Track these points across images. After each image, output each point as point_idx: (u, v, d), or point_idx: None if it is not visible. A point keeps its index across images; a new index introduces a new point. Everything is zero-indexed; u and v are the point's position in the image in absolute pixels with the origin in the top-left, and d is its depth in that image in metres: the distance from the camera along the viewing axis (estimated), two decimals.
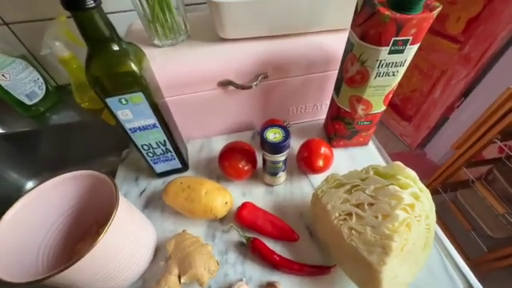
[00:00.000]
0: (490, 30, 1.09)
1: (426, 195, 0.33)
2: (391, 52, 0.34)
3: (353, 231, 0.32)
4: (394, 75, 0.37)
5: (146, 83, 0.33)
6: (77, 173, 0.33)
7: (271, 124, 0.40)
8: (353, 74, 0.39)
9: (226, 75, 0.46)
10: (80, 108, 0.64)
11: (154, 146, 0.42)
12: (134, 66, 0.31)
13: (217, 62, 0.45)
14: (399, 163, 0.34)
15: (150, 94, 0.35)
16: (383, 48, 0.34)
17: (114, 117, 0.35)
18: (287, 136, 0.38)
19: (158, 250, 0.40)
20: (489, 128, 0.84)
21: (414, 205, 0.30)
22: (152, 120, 0.37)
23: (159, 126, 0.39)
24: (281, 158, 0.41)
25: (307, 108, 0.57)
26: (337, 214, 0.35)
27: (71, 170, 0.33)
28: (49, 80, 0.66)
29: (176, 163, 0.47)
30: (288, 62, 0.47)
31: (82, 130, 0.65)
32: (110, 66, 0.31)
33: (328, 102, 0.57)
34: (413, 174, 0.33)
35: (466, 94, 1.31)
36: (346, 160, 0.51)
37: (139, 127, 0.38)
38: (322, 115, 0.59)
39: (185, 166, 0.49)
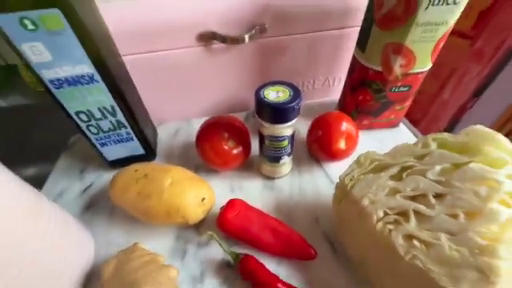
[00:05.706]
0: (504, 21, 1.00)
1: None
2: None
3: (414, 241, 0.19)
4: (455, 2, 0.25)
5: None
6: None
7: (272, 82, 0.27)
8: (391, 8, 0.27)
9: (208, 25, 0.33)
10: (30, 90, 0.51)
11: (97, 115, 0.28)
12: None
13: (196, 5, 0.32)
14: (481, 127, 0.21)
15: (78, 19, 0.21)
16: None
17: (21, 58, 0.22)
18: (296, 95, 0.25)
19: (96, 277, 0.25)
20: None
21: None
22: (86, 66, 0.24)
23: (100, 80, 0.25)
24: (286, 130, 0.27)
25: (316, 83, 0.44)
26: (381, 214, 0.21)
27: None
28: None
29: (136, 147, 0.33)
30: (294, 9, 0.34)
31: (31, 113, 0.51)
32: None
33: (343, 76, 0.44)
34: (507, 143, 0.20)
35: (478, 92, 1.22)
36: (371, 145, 0.38)
37: (66, 78, 0.24)
38: (334, 95, 0.47)
39: (150, 152, 0.35)
